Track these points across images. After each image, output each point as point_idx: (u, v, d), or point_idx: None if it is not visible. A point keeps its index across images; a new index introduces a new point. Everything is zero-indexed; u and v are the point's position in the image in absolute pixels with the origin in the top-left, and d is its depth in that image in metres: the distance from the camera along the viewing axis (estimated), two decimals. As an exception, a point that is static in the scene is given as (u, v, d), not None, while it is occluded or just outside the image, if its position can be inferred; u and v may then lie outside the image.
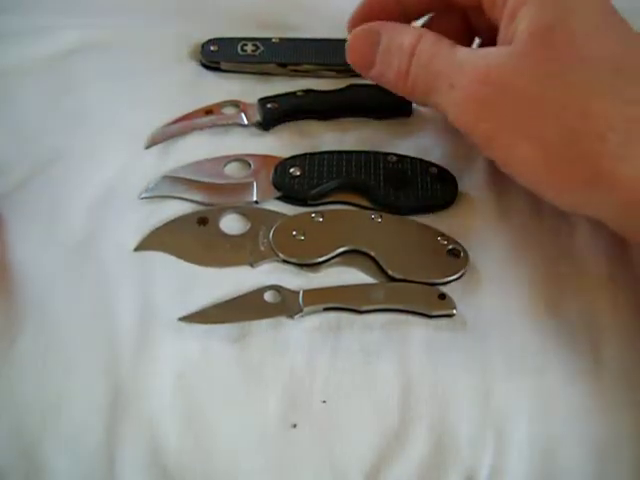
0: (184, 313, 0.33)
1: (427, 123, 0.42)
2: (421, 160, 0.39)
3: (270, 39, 0.48)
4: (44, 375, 0.31)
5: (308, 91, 0.44)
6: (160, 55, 0.47)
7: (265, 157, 0.40)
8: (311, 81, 0.46)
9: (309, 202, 0.38)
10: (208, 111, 0.43)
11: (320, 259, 0.34)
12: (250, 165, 0.40)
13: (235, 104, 0.43)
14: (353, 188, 0.38)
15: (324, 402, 0.30)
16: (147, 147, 0.41)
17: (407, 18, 0.37)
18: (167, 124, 0.42)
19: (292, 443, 0.29)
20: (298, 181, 0.38)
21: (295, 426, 0.29)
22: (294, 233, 0.35)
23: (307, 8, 0.50)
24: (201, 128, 0.42)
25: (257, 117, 0.42)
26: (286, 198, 0.38)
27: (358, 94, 0.43)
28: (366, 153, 0.40)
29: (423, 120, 0.42)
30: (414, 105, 0.42)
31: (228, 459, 0.29)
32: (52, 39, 0.46)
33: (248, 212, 0.37)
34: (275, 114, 0.42)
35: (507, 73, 0.29)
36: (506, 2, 0.30)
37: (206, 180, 0.39)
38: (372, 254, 0.34)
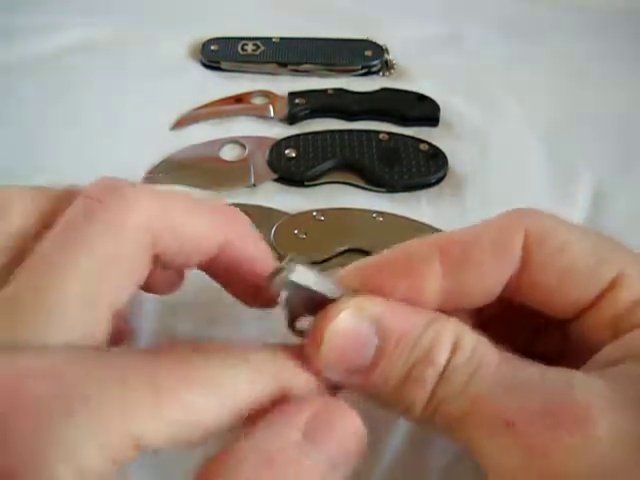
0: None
1: (452, 134, 0.42)
2: (412, 137, 0.40)
3: (270, 39, 0.48)
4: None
5: (339, 90, 0.44)
6: (161, 54, 0.47)
7: (260, 138, 0.40)
8: (313, 80, 0.46)
9: (306, 183, 0.38)
10: (238, 99, 0.43)
11: (321, 258, 0.34)
12: (245, 147, 0.40)
13: (266, 94, 0.44)
14: (348, 167, 0.39)
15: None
16: (171, 129, 0.42)
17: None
18: (196, 108, 0.43)
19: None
20: (294, 163, 0.38)
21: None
22: (295, 232, 0.35)
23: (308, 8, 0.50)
24: (227, 115, 0.42)
25: (285, 110, 0.42)
26: (282, 180, 0.39)
27: (389, 99, 0.43)
28: (358, 132, 0.40)
29: (449, 131, 0.43)
30: (442, 115, 0.43)
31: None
32: (55, 37, 0.47)
33: (249, 210, 0.36)
34: (303, 110, 0.43)
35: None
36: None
37: (203, 164, 0.39)
38: (373, 253, 0.34)
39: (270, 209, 0.37)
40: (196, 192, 0.37)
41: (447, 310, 0.22)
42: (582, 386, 0.20)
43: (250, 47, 0.47)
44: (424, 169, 0.38)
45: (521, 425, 0.19)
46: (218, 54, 0.47)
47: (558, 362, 0.22)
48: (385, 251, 0.24)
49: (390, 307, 0.22)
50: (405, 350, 0.21)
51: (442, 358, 0.20)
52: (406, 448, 0.28)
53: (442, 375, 0.20)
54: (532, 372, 0.20)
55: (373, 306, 0.21)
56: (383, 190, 0.39)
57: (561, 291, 0.23)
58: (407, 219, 0.36)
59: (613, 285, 0.22)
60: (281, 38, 0.48)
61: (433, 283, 0.22)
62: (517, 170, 0.41)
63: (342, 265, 0.34)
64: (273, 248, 0.35)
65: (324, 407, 0.20)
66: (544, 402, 0.19)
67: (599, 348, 0.22)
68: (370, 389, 0.21)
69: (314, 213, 0.36)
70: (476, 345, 0.21)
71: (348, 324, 0.21)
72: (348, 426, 0.20)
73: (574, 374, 0.20)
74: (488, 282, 0.23)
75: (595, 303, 0.23)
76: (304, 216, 0.36)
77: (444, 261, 0.22)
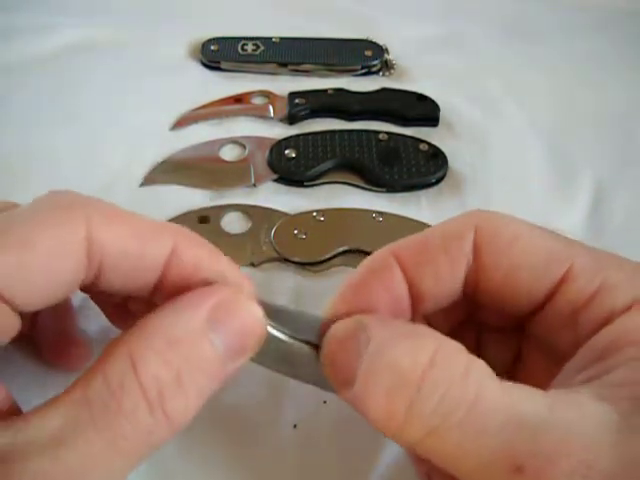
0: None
1: (452, 134, 0.43)
2: (412, 137, 0.40)
3: (270, 39, 0.48)
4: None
5: (339, 90, 0.44)
6: (161, 54, 0.48)
7: (260, 139, 0.41)
8: (313, 80, 0.46)
9: (305, 183, 0.38)
10: (238, 99, 0.43)
11: (321, 258, 0.34)
12: (245, 147, 0.40)
13: (266, 95, 0.44)
14: (348, 167, 0.39)
15: (325, 403, 0.30)
16: (171, 129, 0.42)
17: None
18: (196, 108, 0.43)
19: (292, 443, 0.29)
20: (294, 163, 0.38)
21: (295, 426, 0.29)
22: (295, 232, 0.35)
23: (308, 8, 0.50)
24: (227, 115, 0.43)
25: (285, 111, 0.43)
26: (282, 180, 0.39)
27: (389, 99, 0.43)
28: (358, 132, 0.40)
29: (449, 131, 0.43)
30: (442, 115, 0.43)
31: (228, 459, 0.29)
32: (55, 37, 0.47)
33: (249, 211, 0.37)
34: (303, 110, 0.43)
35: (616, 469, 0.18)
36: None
37: (203, 164, 0.39)
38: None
39: (270, 209, 0.37)
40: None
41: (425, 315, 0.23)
42: (592, 419, 0.18)
43: (250, 47, 0.47)
44: (424, 169, 0.39)
45: (531, 471, 0.17)
46: (218, 54, 0.47)
47: (515, 366, 0.23)
48: (351, 274, 0.23)
49: (376, 318, 0.22)
50: (379, 361, 0.19)
51: (416, 372, 0.19)
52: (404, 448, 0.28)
53: (418, 394, 0.19)
54: (539, 404, 0.18)
55: (365, 317, 0.21)
56: (383, 190, 0.39)
57: (512, 285, 0.23)
58: (407, 219, 0.37)
59: (566, 278, 0.22)
60: (281, 38, 0.48)
61: (401, 288, 0.23)
62: (517, 170, 0.41)
63: (343, 265, 0.35)
64: (273, 248, 0.35)
65: (229, 295, 0.21)
66: (555, 443, 0.17)
67: (560, 346, 0.22)
68: (359, 407, 0.20)
69: (314, 213, 0.36)
70: (469, 365, 0.19)
71: (340, 328, 0.21)
72: (250, 316, 0.21)
73: (583, 402, 0.19)
74: (445, 279, 0.23)
75: (551, 297, 0.22)
76: (304, 216, 0.36)
77: (402, 266, 0.23)
